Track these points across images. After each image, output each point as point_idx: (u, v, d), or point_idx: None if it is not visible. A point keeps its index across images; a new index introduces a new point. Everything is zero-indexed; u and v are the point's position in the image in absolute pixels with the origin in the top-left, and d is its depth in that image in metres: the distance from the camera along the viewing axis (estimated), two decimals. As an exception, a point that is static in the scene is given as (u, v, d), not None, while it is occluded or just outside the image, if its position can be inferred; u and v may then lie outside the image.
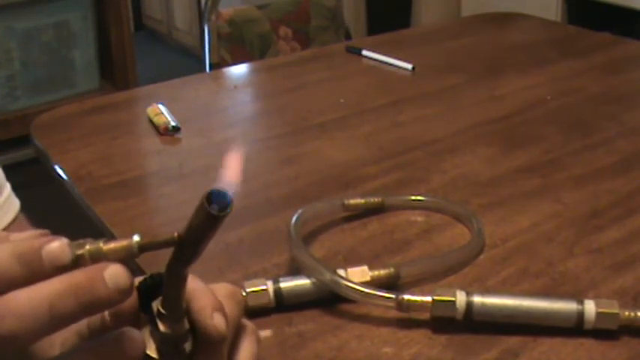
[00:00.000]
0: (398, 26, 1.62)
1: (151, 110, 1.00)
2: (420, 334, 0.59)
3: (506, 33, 1.44)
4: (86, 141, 0.95)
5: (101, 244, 0.37)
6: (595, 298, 0.59)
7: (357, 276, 0.62)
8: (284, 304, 0.61)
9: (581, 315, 0.57)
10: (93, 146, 0.94)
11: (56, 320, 0.34)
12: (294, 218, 0.68)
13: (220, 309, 0.41)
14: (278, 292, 0.61)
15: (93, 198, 0.81)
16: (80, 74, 2.10)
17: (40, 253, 0.35)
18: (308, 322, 0.60)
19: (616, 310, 0.57)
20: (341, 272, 0.62)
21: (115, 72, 2.15)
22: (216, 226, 0.36)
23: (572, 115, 1.02)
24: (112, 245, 0.37)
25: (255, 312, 0.61)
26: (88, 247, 0.37)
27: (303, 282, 0.62)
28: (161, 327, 0.40)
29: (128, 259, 0.37)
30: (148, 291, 0.41)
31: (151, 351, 0.40)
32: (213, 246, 0.71)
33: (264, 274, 0.65)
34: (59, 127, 1.01)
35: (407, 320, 0.60)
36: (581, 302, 0.58)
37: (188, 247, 0.37)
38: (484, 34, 1.41)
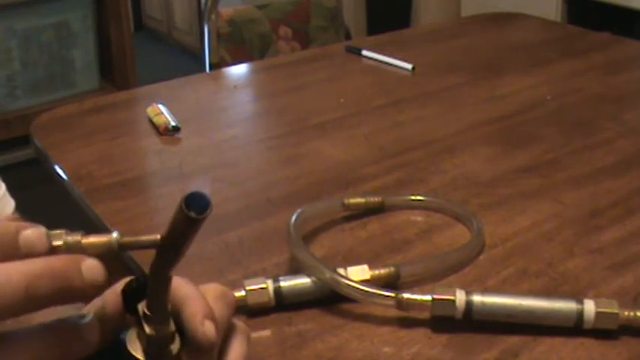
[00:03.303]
0: (398, 26, 1.62)
1: (151, 110, 1.00)
2: (420, 334, 0.59)
3: (506, 33, 1.44)
4: (86, 141, 0.95)
5: (79, 238, 0.37)
6: (595, 298, 0.59)
7: (357, 275, 0.62)
8: (284, 303, 0.61)
9: (580, 315, 0.57)
10: (93, 146, 0.94)
11: (30, 300, 0.34)
12: (293, 218, 0.68)
13: (211, 316, 0.41)
14: (278, 290, 0.61)
15: (93, 198, 0.81)
16: (80, 74, 2.10)
17: (17, 237, 0.35)
18: (308, 321, 0.61)
19: (615, 310, 0.57)
20: (341, 271, 0.62)
21: (115, 72, 2.15)
22: (195, 229, 0.36)
23: (572, 115, 1.02)
24: (91, 240, 0.37)
25: (255, 311, 0.61)
26: (66, 238, 0.37)
27: (303, 281, 0.62)
28: (147, 329, 0.40)
29: (106, 255, 0.37)
30: (134, 292, 0.41)
31: (137, 353, 0.41)
32: (213, 246, 0.71)
33: (264, 274, 0.65)
34: (59, 127, 1.01)
35: (407, 320, 0.60)
36: (580, 302, 0.58)
37: (169, 249, 0.37)
38: (484, 34, 1.41)
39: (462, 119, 1.00)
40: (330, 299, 0.61)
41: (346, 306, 0.61)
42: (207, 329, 0.40)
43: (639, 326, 0.58)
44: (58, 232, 0.37)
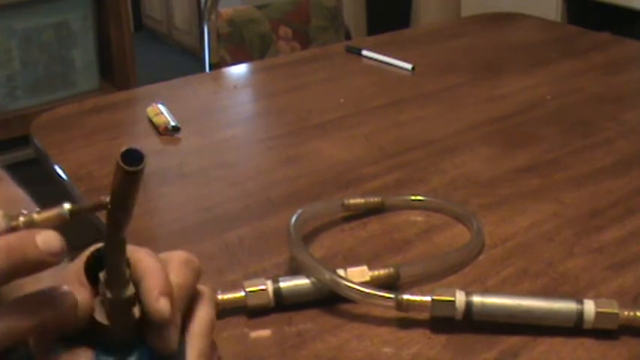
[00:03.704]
0: (398, 26, 1.62)
1: (150, 110, 1.00)
2: (420, 334, 0.59)
3: (506, 33, 1.44)
4: (86, 141, 0.95)
5: (34, 215, 0.40)
6: (595, 298, 0.59)
7: (356, 276, 0.62)
8: (284, 303, 0.61)
9: (580, 315, 0.57)
10: (93, 146, 0.94)
11: None
12: (293, 218, 0.68)
13: (167, 292, 0.42)
14: (278, 291, 0.61)
15: (93, 198, 0.80)
16: (80, 74, 2.10)
17: None
18: (308, 321, 0.61)
19: (615, 310, 0.57)
20: (340, 272, 0.62)
21: (115, 72, 2.15)
22: (135, 184, 0.38)
23: (572, 115, 1.02)
24: (44, 215, 0.40)
25: (255, 311, 0.61)
26: (21, 218, 0.40)
27: (302, 282, 0.62)
28: (107, 293, 0.41)
29: (61, 225, 0.40)
30: (96, 262, 0.43)
31: (102, 318, 0.42)
32: (213, 246, 0.71)
33: (264, 274, 0.65)
34: (59, 127, 1.01)
35: (406, 320, 0.60)
36: (580, 302, 0.58)
37: (116, 209, 0.39)
38: (484, 34, 1.41)
39: (462, 119, 1.00)
40: (330, 300, 0.61)
41: (346, 306, 0.61)
42: (161, 305, 0.41)
43: (639, 326, 0.58)
44: (14, 214, 0.40)
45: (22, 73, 2.00)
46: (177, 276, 0.44)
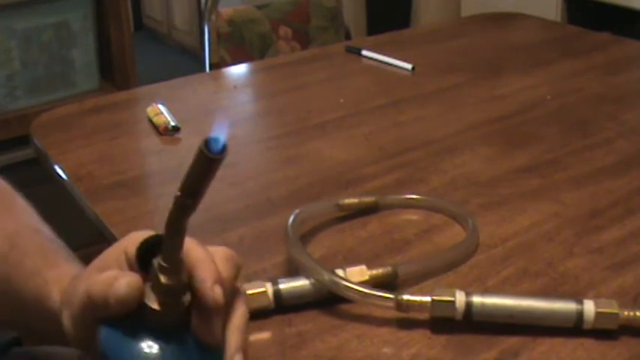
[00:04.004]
0: (398, 26, 1.62)
1: (150, 110, 1.00)
2: (420, 334, 0.59)
3: (506, 33, 1.44)
4: (86, 141, 0.95)
5: None
6: (595, 298, 0.59)
7: (355, 275, 0.62)
8: (283, 305, 0.61)
9: (580, 315, 0.57)
10: (93, 146, 0.94)
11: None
12: (290, 219, 0.68)
13: (220, 281, 0.44)
14: (277, 293, 0.61)
15: (93, 198, 0.81)
16: (80, 74, 2.09)
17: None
18: (308, 322, 0.61)
19: (615, 310, 0.57)
20: (339, 272, 0.62)
21: (115, 72, 2.15)
22: (213, 172, 0.39)
23: (572, 115, 1.02)
24: None
25: (255, 313, 0.61)
26: None
27: (302, 283, 0.62)
28: (162, 279, 0.42)
29: None
30: (148, 250, 0.44)
31: (153, 303, 0.43)
32: (213, 246, 0.71)
33: (264, 274, 0.65)
34: (59, 127, 1.01)
35: (407, 320, 0.60)
36: (580, 302, 0.58)
37: (187, 195, 0.40)
38: (484, 34, 1.41)
39: (462, 119, 1.00)
40: (330, 300, 0.61)
41: (346, 306, 0.61)
42: (216, 293, 0.43)
43: (639, 326, 0.58)
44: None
45: (22, 73, 1.99)
46: (224, 269, 0.46)
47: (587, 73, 1.18)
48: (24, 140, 1.07)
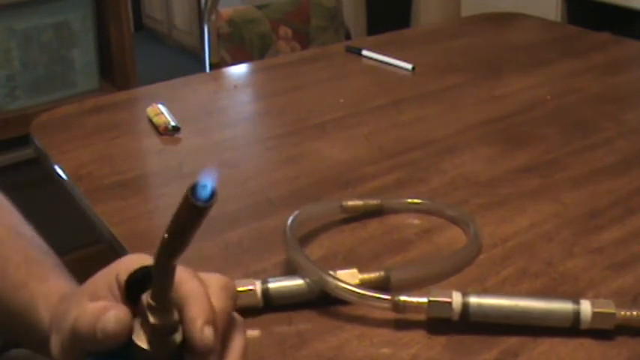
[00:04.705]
0: (398, 26, 1.62)
1: (150, 110, 1.00)
2: (419, 335, 0.59)
3: (506, 33, 1.44)
4: (86, 141, 0.95)
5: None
6: (594, 298, 0.59)
7: (346, 279, 0.61)
8: (273, 304, 0.61)
9: (577, 315, 0.57)
10: (93, 146, 0.94)
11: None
12: (290, 219, 0.68)
13: (211, 321, 0.41)
14: (266, 292, 0.61)
15: (93, 198, 0.81)
16: (80, 74, 2.09)
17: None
18: (308, 321, 0.61)
19: (612, 310, 0.57)
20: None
21: (115, 72, 2.15)
22: (201, 218, 0.37)
23: (572, 115, 1.02)
24: None
25: (252, 311, 0.61)
26: None
27: (292, 283, 0.62)
28: (151, 318, 0.40)
29: None
30: (137, 283, 0.42)
31: (141, 342, 0.41)
32: (213, 246, 0.71)
33: (264, 274, 0.65)
34: (59, 127, 1.01)
35: (406, 321, 0.60)
36: (577, 302, 0.58)
37: (174, 239, 0.38)
38: (484, 34, 1.41)
39: (462, 119, 1.00)
40: (330, 300, 0.61)
41: (346, 307, 0.61)
42: (205, 336, 0.41)
43: (638, 326, 0.58)
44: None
45: (22, 73, 1.99)
46: (218, 301, 0.43)
47: (587, 73, 1.18)
48: (24, 140, 1.07)
